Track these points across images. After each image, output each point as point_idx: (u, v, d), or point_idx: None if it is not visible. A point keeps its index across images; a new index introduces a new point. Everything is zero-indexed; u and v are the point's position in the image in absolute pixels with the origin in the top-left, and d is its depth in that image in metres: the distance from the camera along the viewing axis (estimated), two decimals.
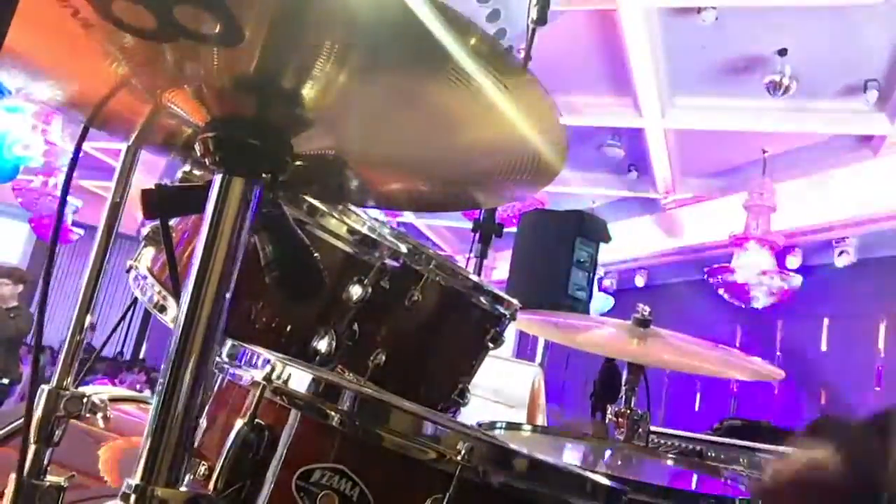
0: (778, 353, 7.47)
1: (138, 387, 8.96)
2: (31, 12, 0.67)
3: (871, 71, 5.40)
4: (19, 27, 0.65)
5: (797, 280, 6.96)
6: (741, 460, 3.69)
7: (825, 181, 6.80)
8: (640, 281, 9.44)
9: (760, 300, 6.91)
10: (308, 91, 0.75)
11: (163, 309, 1.25)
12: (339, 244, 1.24)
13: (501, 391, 3.39)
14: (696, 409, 7.88)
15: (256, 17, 0.66)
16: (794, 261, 7.45)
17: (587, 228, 4.83)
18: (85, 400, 1.11)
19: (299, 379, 0.87)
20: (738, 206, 6.98)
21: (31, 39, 0.75)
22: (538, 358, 5.34)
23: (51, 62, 0.83)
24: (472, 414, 1.63)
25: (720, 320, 7.41)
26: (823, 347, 7.44)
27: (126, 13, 0.66)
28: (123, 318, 1.66)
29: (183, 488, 0.75)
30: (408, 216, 8.97)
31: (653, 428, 2.31)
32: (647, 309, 2.01)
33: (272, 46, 0.70)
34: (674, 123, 6.41)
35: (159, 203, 0.94)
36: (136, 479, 0.73)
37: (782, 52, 5.28)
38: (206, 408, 0.94)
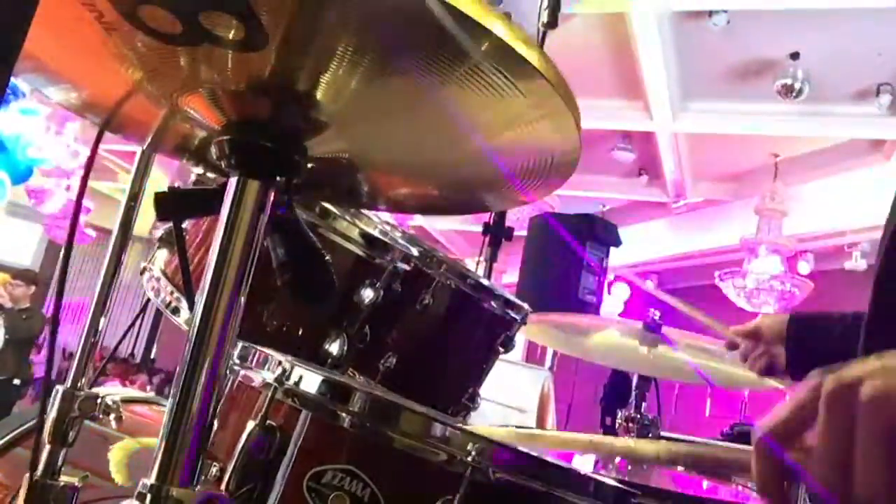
0: None
1: (149, 388, 9.00)
2: (51, 15, 0.68)
3: (884, 75, 5.38)
4: (39, 29, 0.66)
5: (808, 285, 6.92)
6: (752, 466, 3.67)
7: (837, 186, 6.77)
8: (650, 285, 9.41)
9: (771, 305, 6.88)
10: (322, 94, 0.76)
11: (176, 311, 1.26)
12: (351, 247, 1.24)
13: (512, 395, 3.39)
14: (707, 414, 7.84)
15: (274, 21, 0.66)
16: (805, 266, 7.42)
17: (597, 232, 4.82)
18: (98, 401, 1.12)
19: (310, 380, 0.87)
20: (749, 211, 6.95)
21: (51, 42, 0.76)
22: (548, 362, 5.33)
23: (69, 65, 0.84)
24: (482, 418, 1.63)
25: (730, 325, 7.37)
26: None
27: (151, 18, 0.67)
28: (136, 319, 1.67)
29: (197, 489, 0.76)
30: (418, 220, 8.98)
31: (662, 433, 2.30)
32: (658, 313, 2.00)
33: (287, 50, 0.71)
34: (685, 127, 6.40)
35: (172, 205, 0.95)
36: (151, 480, 0.74)
37: (794, 56, 5.26)
38: (219, 409, 0.94)
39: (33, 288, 6.99)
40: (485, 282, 1.42)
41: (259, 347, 0.96)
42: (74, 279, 11.87)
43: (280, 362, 0.90)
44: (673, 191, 7.71)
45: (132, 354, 12.18)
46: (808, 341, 1.46)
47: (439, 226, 10.09)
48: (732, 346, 1.67)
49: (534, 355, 6.44)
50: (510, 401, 3.37)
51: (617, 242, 4.96)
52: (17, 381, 6.79)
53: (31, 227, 11.58)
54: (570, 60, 5.27)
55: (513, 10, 4.71)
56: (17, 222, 11.53)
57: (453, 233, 10.43)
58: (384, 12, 0.66)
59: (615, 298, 9.09)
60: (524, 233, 5.13)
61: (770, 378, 1.56)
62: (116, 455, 1.47)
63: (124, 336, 1.55)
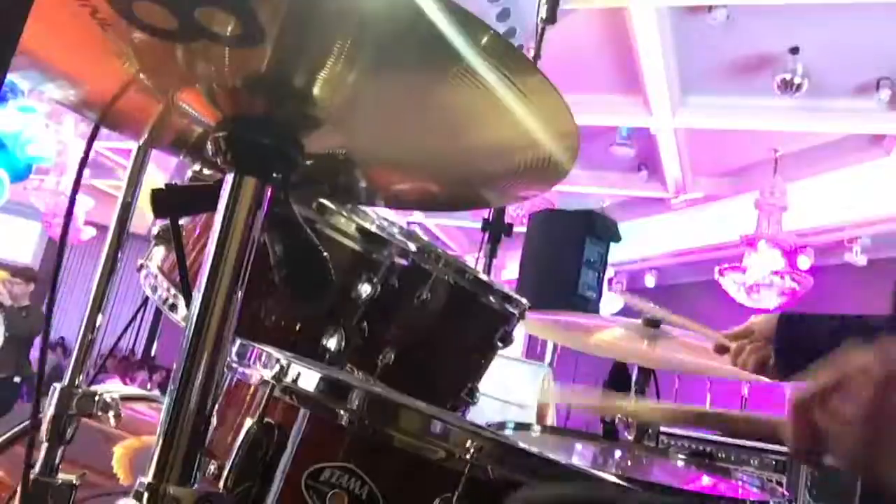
0: None
1: (149, 386, 9.00)
2: (48, 11, 0.68)
3: (884, 69, 5.37)
4: (36, 26, 0.66)
5: (808, 280, 6.92)
6: (752, 461, 3.68)
7: (837, 181, 6.76)
8: (650, 281, 9.41)
9: (771, 300, 6.88)
10: (319, 90, 0.75)
11: (173, 307, 1.25)
12: (349, 243, 1.24)
13: (511, 391, 3.39)
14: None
15: (270, 17, 0.66)
16: (805, 261, 7.41)
17: (597, 228, 4.82)
18: (97, 398, 1.12)
19: (308, 378, 0.87)
20: (749, 206, 6.94)
21: (48, 39, 0.76)
22: (547, 358, 5.33)
23: (66, 62, 0.84)
24: (481, 414, 1.63)
25: (730, 321, 7.37)
26: None
27: (147, 14, 0.66)
28: (135, 317, 1.66)
29: (195, 487, 0.76)
30: (417, 215, 8.98)
31: (663, 428, 2.30)
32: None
33: (284, 46, 0.70)
34: (684, 122, 6.39)
35: (170, 202, 0.95)
36: (148, 478, 0.73)
37: (794, 51, 5.25)
38: (216, 407, 0.94)
39: (32, 286, 6.97)
40: (483, 277, 1.42)
41: (257, 345, 0.96)
42: (74, 277, 11.88)
43: (278, 360, 0.89)
44: (673, 186, 7.71)
45: (132, 351, 12.18)
46: (797, 341, 1.50)
47: (439, 222, 10.09)
48: (721, 350, 1.67)
49: (534, 351, 6.45)
50: (510, 396, 3.37)
51: (617, 238, 4.96)
52: (17, 379, 6.78)
53: (30, 225, 11.59)
54: (570, 56, 5.27)
55: (511, 5, 4.70)
56: (16, 220, 11.53)
57: (453, 229, 10.43)
58: (380, 9, 0.65)
59: (614, 295, 9.08)
60: (524, 229, 5.14)
61: (758, 376, 1.58)
62: (119, 452, 1.47)
63: (122, 333, 1.54)
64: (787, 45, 5.25)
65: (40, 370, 1.04)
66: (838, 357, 0.66)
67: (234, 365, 0.97)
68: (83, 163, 1.02)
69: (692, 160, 7.25)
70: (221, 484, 0.83)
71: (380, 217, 1.35)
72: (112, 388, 1.38)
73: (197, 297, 0.77)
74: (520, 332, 1.61)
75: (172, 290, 1.27)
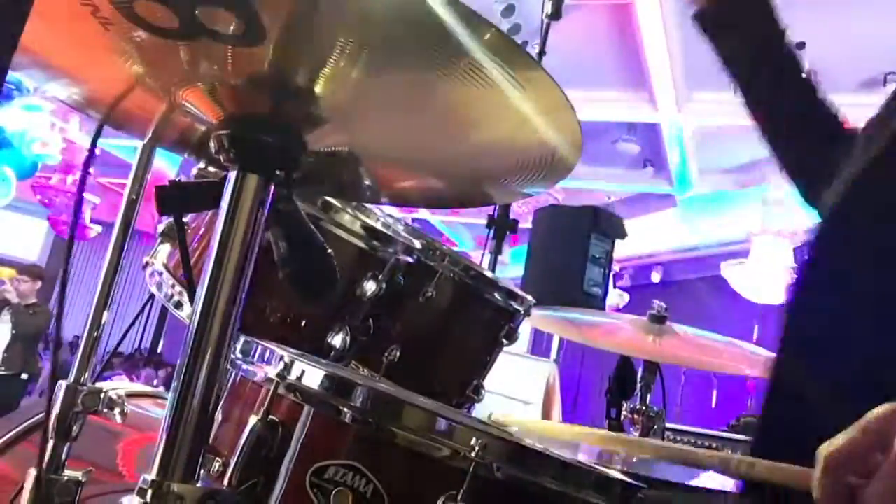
0: None
1: (155, 382, 9.03)
2: (50, 11, 0.68)
3: (891, 64, 5.34)
4: (38, 25, 0.66)
5: None
6: None
7: None
8: (655, 277, 9.40)
9: (778, 296, 6.86)
10: (322, 88, 0.75)
11: (179, 305, 1.25)
12: (354, 240, 1.24)
13: (516, 388, 3.39)
14: (713, 405, 7.84)
15: (272, 15, 0.66)
16: None
17: (602, 224, 4.80)
18: (102, 395, 1.12)
19: (313, 375, 0.87)
20: (755, 201, 6.93)
21: (50, 38, 0.76)
22: (553, 354, 5.33)
23: (68, 61, 0.84)
24: (486, 410, 1.63)
25: (736, 316, 7.38)
26: None
27: (148, 12, 0.66)
28: (140, 314, 1.67)
29: (198, 484, 0.76)
30: (422, 212, 8.98)
31: (669, 425, 2.30)
32: (663, 305, 2.00)
33: (286, 44, 0.70)
34: (690, 118, 6.37)
35: (174, 199, 0.95)
36: (152, 475, 0.73)
37: (800, 46, 5.21)
38: (220, 404, 0.94)
39: (39, 283, 7.01)
40: (488, 273, 1.42)
41: (261, 342, 0.96)
42: (80, 274, 11.92)
43: (282, 357, 0.89)
44: (678, 182, 7.69)
45: (139, 349, 12.22)
46: None
47: (444, 218, 10.09)
48: None
49: (539, 347, 6.45)
50: (515, 393, 3.37)
51: (622, 234, 4.94)
52: (24, 376, 6.82)
53: (36, 223, 11.64)
54: (575, 51, 5.26)
55: (516, 1, 4.68)
56: (22, 218, 11.58)
57: (458, 225, 10.44)
58: (383, 6, 0.65)
59: (619, 292, 9.08)
60: (529, 225, 5.13)
61: None
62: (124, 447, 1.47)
63: (127, 331, 1.55)
64: (793, 39, 5.24)
65: (53, 367, 1.05)
66: (875, 413, 0.59)
67: (239, 362, 0.97)
68: (87, 162, 1.02)
69: (698, 155, 7.23)
70: (226, 481, 0.83)
71: (384, 214, 1.35)
72: (118, 384, 1.38)
73: (200, 294, 0.77)
74: (525, 329, 1.61)
75: (177, 288, 1.27)
